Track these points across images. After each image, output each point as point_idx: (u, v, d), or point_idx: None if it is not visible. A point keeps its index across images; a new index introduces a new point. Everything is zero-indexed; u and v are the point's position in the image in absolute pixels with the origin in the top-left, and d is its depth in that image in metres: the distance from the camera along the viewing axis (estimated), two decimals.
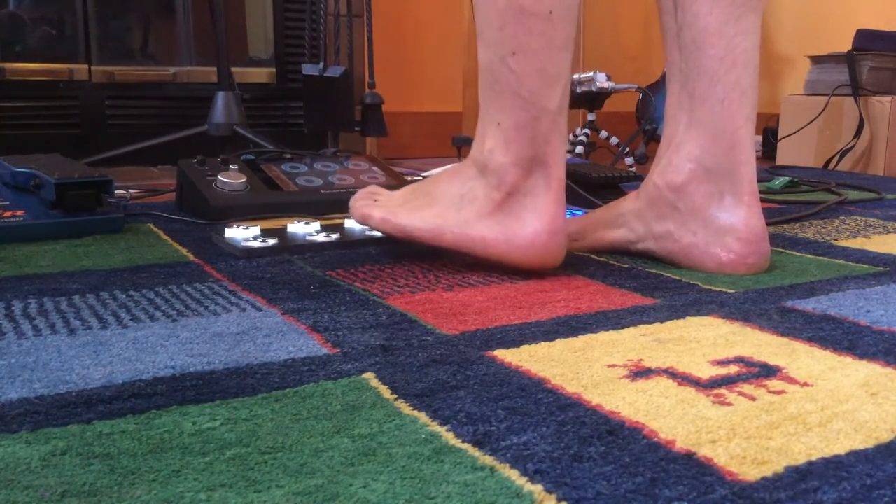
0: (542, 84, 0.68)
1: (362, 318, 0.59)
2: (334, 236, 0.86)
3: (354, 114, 1.71)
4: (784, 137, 1.97)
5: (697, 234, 0.74)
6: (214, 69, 1.62)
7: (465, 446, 0.38)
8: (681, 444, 0.38)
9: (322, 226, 0.91)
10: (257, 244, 0.82)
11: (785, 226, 1.01)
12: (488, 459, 0.36)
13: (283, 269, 0.75)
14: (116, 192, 1.17)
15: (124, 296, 0.65)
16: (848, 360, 0.50)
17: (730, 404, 0.43)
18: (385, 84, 2.04)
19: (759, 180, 1.12)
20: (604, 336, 0.55)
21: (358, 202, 0.80)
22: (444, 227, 0.72)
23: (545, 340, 0.54)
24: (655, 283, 0.70)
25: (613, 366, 0.49)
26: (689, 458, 0.37)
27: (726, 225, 0.73)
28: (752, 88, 0.73)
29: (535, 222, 0.69)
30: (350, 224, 0.92)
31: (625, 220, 0.80)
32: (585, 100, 1.74)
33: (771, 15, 2.47)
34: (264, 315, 0.60)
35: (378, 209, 0.77)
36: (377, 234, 0.87)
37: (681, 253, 0.75)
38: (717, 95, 0.72)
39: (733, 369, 0.49)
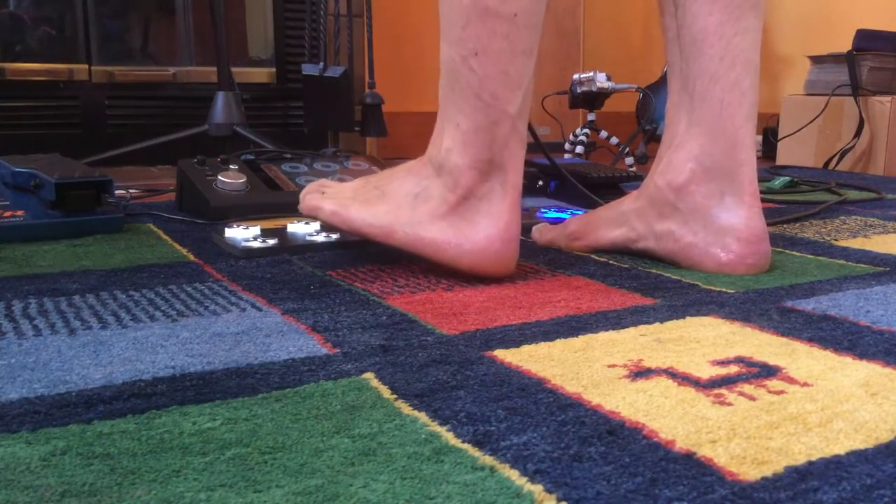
0: (504, 87, 0.66)
1: (362, 318, 0.59)
2: (334, 236, 0.86)
3: (354, 114, 1.71)
4: (784, 137, 1.97)
5: (698, 234, 0.74)
6: (214, 69, 1.62)
7: (465, 446, 0.38)
8: (681, 444, 0.38)
9: (322, 226, 0.91)
10: (257, 244, 0.82)
11: (785, 226, 1.01)
12: (488, 459, 0.36)
13: (283, 269, 0.75)
14: (116, 192, 1.17)
15: (124, 296, 0.65)
16: (848, 360, 0.50)
17: (730, 404, 0.43)
18: (385, 84, 2.04)
19: (759, 180, 1.12)
20: (604, 336, 0.55)
21: (307, 195, 0.78)
22: (395, 226, 0.70)
23: (545, 340, 0.54)
24: (655, 283, 0.70)
25: (613, 366, 0.49)
26: (689, 458, 0.37)
27: (726, 225, 0.73)
28: (752, 88, 0.73)
29: (489, 228, 0.68)
30: None
31: (626, 219, 0.80)
32: (585, 100, 1.74)
33: (771, 15, 2.47)
34: (264, 315, 0.60)
35: (328, 202, 0.75)
36: None
37: (681, 252, 0.75)
38: (717, 95, 0.72)
39: (733, 369, 0.49)
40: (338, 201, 0.75)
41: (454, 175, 0.68)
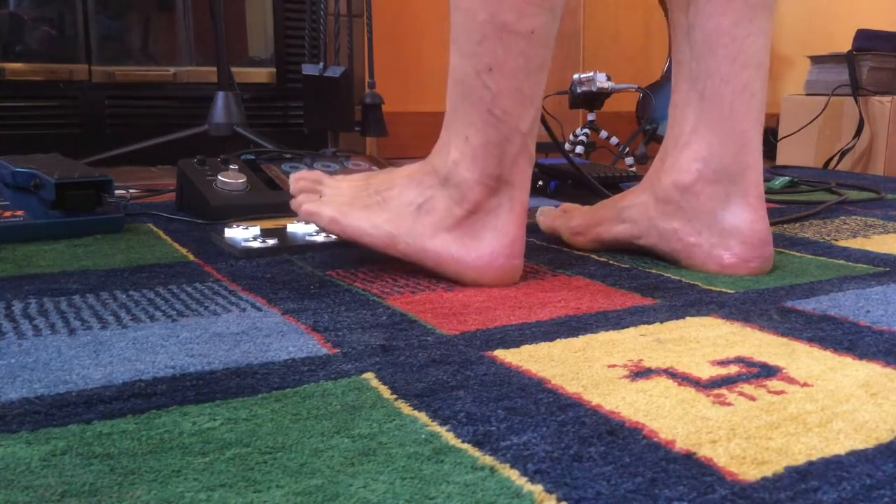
0: (517, 104, 0.65)
1: (362, 318, 0.59)
2: (334, 236, 0.86)
3: (354, 114, 1.71)
4: (784, 137, 1.97)
5: (702, 234, 0.74)
6: (214, 69, 1.62)
7: (465, 446, 0.38)
8: (681, 444, 0.38)
9: None
10: (257, 244, 0.82)
11: (785, 226, 1.01)
12: (488, 459, 0.36)
13: (283, 269, 0.75)
14: (116, 192, 1.17)
15: (124, 296, 0.65)
16: (848, 360, 0.50)
17: (730, 404, 0.43)
18: (385, 84, 2.04)
19: None
20: (604, 336, 0.55)
21: (302, 197, 0.75)
22: (397, 237, 0.70)
23: (545, 340, 0.54)
24: (655, 283, 0.70)
25: (613, 366, 0.49)
26: (689, 458, 0.37)
27: (731, 227, 0.73)
28: (761, 91, 0.72)
29: (493, 243, 0.68)
30: None
31: (629, 215, 0.80)
32: (585, 100, 1.74)
33: None
34: (264, 315, 0.60)
35: (326, 207, 0.73)
36: None
37: (683, 252, 0.75)
38: (727, 97, 0.71)
39: (733, 369, 0.49)
40: (336, 207, 0.73)
41: (461, 189, 0.67)
